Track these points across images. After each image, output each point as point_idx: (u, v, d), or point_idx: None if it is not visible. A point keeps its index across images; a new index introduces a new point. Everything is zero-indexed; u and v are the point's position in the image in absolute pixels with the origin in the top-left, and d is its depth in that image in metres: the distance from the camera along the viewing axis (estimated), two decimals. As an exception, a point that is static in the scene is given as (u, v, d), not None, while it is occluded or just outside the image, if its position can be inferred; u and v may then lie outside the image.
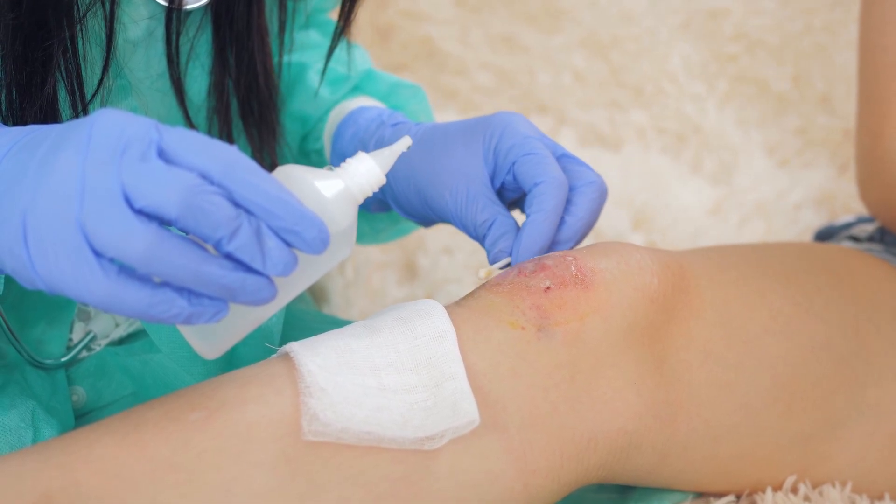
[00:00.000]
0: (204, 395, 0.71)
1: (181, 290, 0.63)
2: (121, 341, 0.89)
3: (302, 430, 0.69)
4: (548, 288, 0.77)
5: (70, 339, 0.86)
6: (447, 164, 0.86)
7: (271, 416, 0.70)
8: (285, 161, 0.97)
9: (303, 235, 0.64)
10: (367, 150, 0.90)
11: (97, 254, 0.60)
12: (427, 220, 0.92)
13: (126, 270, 0.61)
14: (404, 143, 0.74)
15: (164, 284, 0.62)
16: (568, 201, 0.84)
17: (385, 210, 0.99)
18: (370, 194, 0.72)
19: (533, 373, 0.75)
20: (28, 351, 0.82)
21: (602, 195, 0.85)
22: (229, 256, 0.63)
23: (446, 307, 0.78)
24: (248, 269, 0.64)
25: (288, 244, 0.64)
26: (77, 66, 0.78)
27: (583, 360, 0.76)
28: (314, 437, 0.69)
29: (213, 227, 0.61)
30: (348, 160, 0.72)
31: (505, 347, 0.75)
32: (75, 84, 0.78)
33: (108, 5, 0.79)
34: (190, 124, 0.87)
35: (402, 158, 0.87)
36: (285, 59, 0.97)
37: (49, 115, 0.78)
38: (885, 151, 0.99)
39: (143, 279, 0.62)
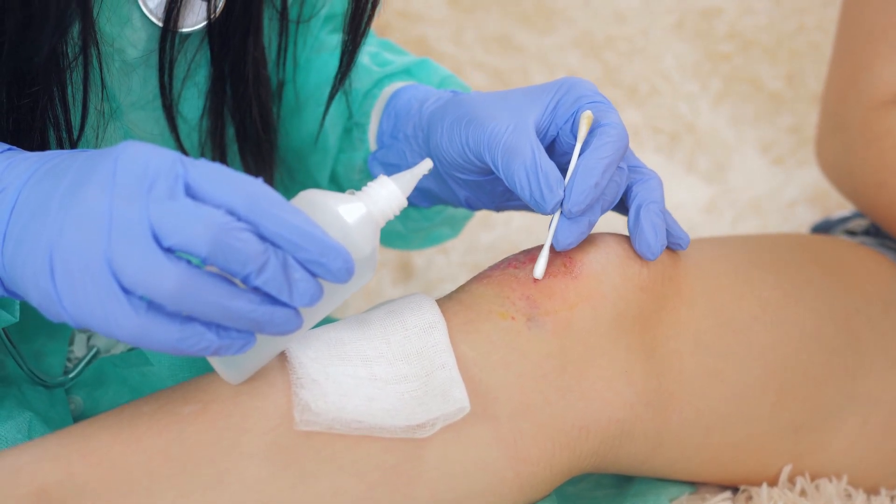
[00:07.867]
0: (198, 388, 0.72)
1: (209, 324, 0.63)
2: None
3: (294, 421, 0.70)
4: (537, 279, 0.77)
5: (70, 350, 0.86)
6: (503, 113, 0.79)
7: (264, 408, 0.71)
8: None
9: (328, 266, 0.64)
10: (422, 119, 0.87)
11: (126, 291, 0.60)
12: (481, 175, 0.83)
13: (154, 306, 0.61)
14: (425, 165, 0.74)
15: (192, 319, 0.62)
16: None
17: (427, 204, 0.94)
18: (392, 218, 0.72)
19: (523, 362, 0.75)
20: (31, 368, 0.82)
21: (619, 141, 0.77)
22: (256, 289, 0.63)
23: (437, 301, 0.78)
24: (275, 301, 0.64)
25: (314, 275, 0.65)
26: (66, 110, 0.77)
27: (573, 349, 0.76)
28: (306, 427, 0.70)
29: (243, 263, 0.62)
30: (370, 184, 0.72)
31: (495, 337, 0.75)
32: (63, 129, 0.77)
33: (93, 60, 0.77)
34: (181, 147, 0.86)
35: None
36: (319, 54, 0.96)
37: None
38: (846, 111, 1.01)
39: (172, 314, 0.62)
